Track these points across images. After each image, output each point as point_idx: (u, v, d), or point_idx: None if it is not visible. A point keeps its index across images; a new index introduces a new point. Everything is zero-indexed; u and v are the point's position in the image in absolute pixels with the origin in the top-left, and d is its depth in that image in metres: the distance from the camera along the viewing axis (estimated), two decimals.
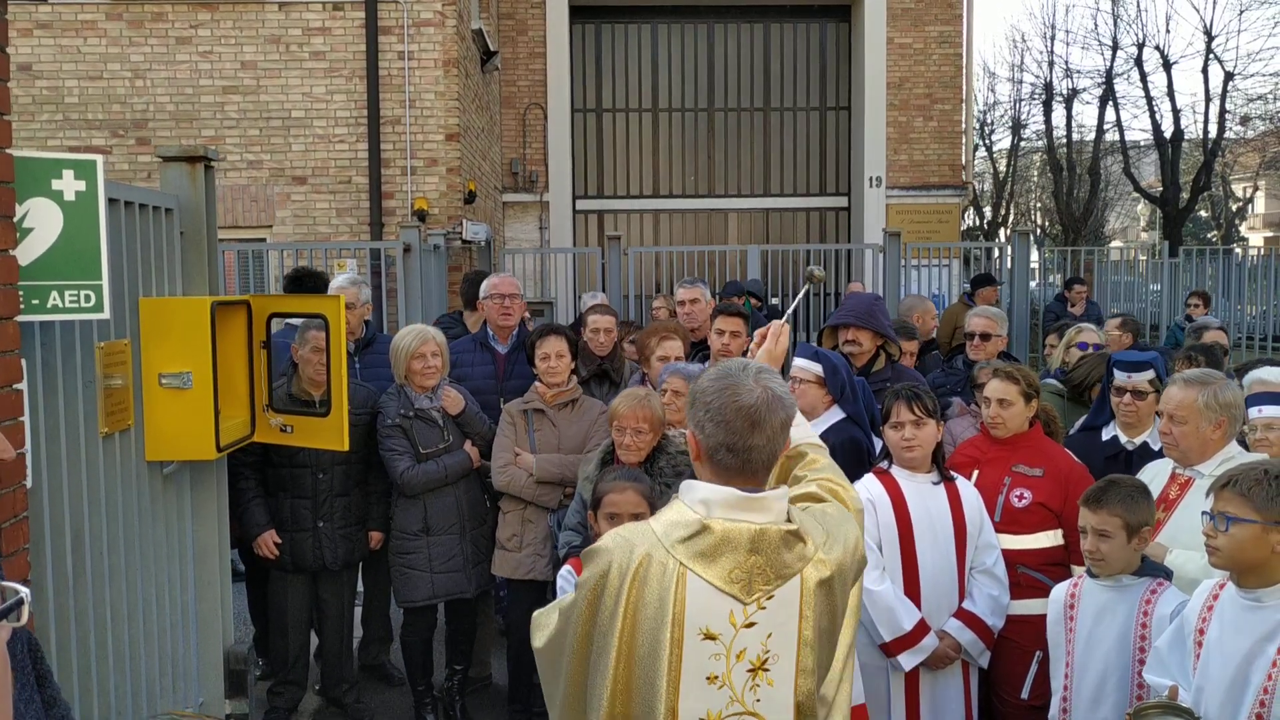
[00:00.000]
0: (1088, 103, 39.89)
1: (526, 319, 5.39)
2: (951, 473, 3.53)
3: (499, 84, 14.16)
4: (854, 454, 3.72)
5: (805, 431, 2.40)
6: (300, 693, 4.67)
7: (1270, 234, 37.51)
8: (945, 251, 11.89)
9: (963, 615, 3.40)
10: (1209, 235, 35.02)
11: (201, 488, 3.42)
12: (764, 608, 1.90)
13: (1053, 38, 27.02)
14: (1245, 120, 26.87)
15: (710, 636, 1.88)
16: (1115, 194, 33.27)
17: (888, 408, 3.47)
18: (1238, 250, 16.65)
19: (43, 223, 2.56)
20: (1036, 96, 28.16)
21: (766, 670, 1.92)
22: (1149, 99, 23.46)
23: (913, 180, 15.05)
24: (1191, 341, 5.68)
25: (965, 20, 15.01)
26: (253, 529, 4.35)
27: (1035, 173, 34.48)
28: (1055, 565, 3.59)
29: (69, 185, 2.58)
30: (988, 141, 31.18)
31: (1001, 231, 29.92)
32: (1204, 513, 2.50)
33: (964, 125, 15.35)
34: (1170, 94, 23.43)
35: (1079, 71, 41.12)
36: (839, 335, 4.52)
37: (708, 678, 1.89)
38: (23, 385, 2.48)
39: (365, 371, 4.92)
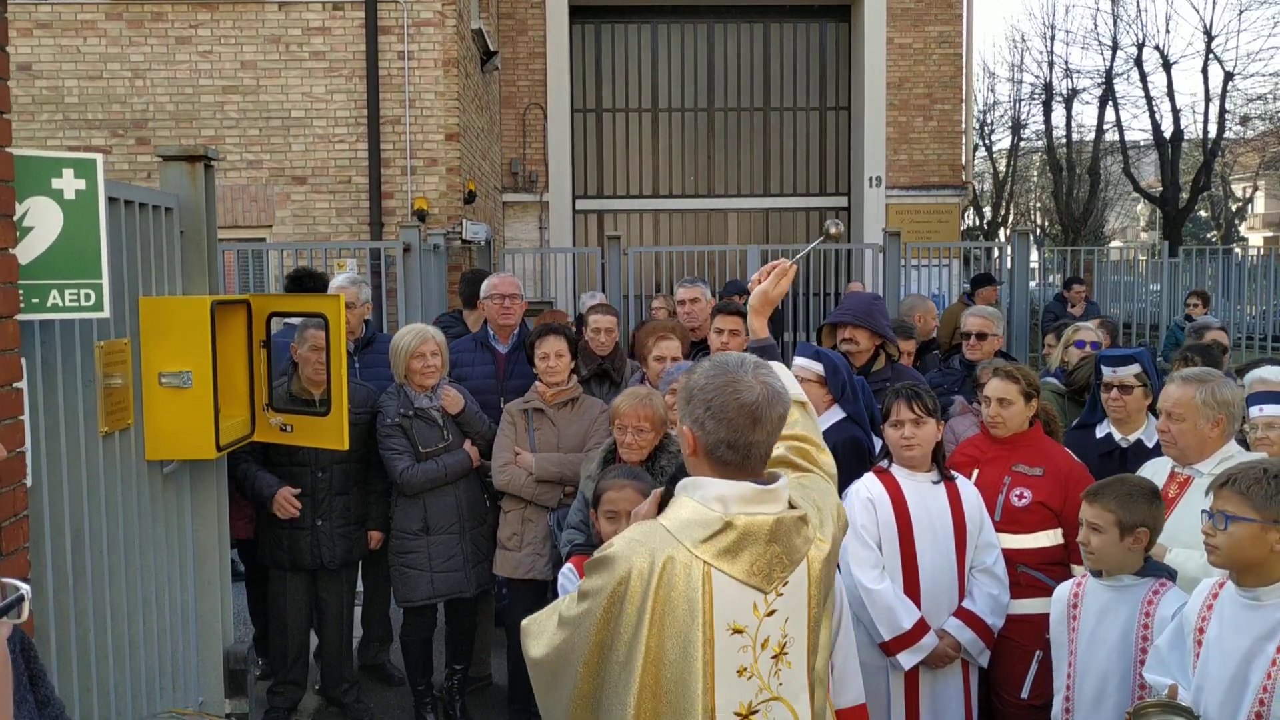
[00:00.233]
0: (1087, 103, 39.96)
1: (539, 317, 5.37)
2: (952, 472, 3.53)
3: (499, 84, 14.16)
4: (854, 453, 3.73)
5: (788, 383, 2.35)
6: (300, 692, 4.67)
7: (1270, 234, 37.51)
8: (945, 251, 11.88)
9: (962, 614, 3.40)
10: (1209, 235, 35.03)
11: (201, 487, 3.42)
12: (781, 594, 1.93)
13: (1052, 38, 27.08)
14: (1245, 120, 26.89)
15: (738, 630, 1.90)
16: (1115, 194, 33.29)
17: (888, 406, 3.47)
18: (1237, 250, 16.66)
19: (43, 221, 2.56)
20: (1036, 96, 28.19)
21: (786, 654, 1.96)
22: (1149, 99, 23.49)
23: (912, 180, 15.05)
24: (1191, 341, 5.68)
25: (965, 20, 15.01)
26: (265, 492, 4.32)
27: (1035, 173, 34.50)
28: (1055, 565, 3.59)
29: (69, 184, 2.58)
30: (987, 141, 31.21)
31: (1001, 231, 29.93)
32: (1203, 511, 2.50)
33: (964, 125, 15.35)
34: (1170, 94, 23.45)
35: (1079, 71, 41.18)
36: (837, 334, 4.52)
37: (738, 670, 1.90)
38: (22, 384, 2.48)
39: (365, 371, 4.92)
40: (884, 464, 3.52)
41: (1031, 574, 3.54)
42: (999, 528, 3.54)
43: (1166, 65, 23.23)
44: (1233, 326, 12.81)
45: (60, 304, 2.59)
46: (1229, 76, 23.27)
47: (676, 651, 1.86)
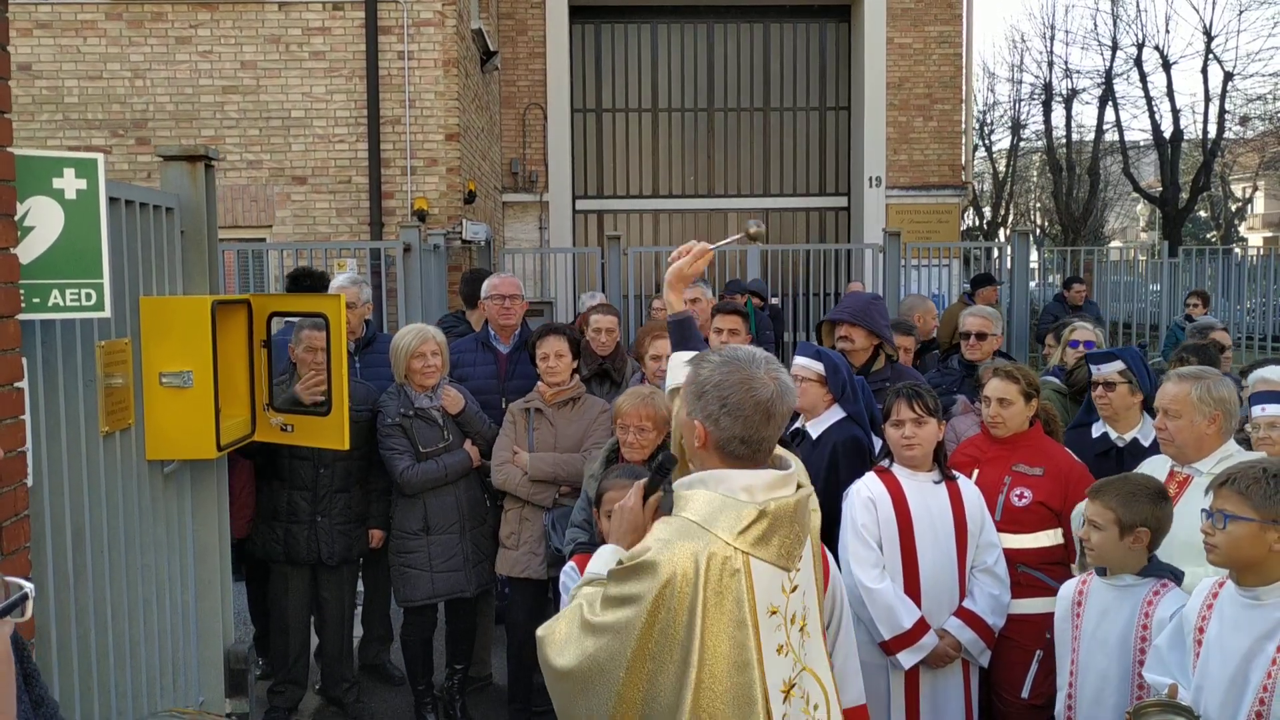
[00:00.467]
0: (1087, 103, 39.97)
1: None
2: (953, 471, 3.53)
3: (499, 84, 14.16)
4: (855, 453, 3.73)
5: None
6: (300, 692, 4.67)
7: (1269, 234, 37.52)
8: (945, 251, 11.89)
9: (963, 614, 3.40)
10: (1208, 235, 35.02)
11: (202, 487, 3.42)
12: (799, 569, 2.01)
13: (1052, 38, 27.09)
14: (1245, 120, 26.89)
15: (774, 611, 1.96)
16: (1115, 194, 33.30)
17: (889, 406, 3.47)
18: (1237, 250, 16.66)
19: (44, 221, 2.56)
20: (1036, 97, 28.19)
21: (806, 626, 2.04)
22: (1148, 99, 23.49)
23: (912, 180, 15.05)
24: (1189, 341, 5.69)
25: (965, 20, 15.01)
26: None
27: (1035, 173, 34.50)
28: (1055, 564, 3.59)
29: (70, 184, 2.58)
30: (987, 142, 31.22)
31: (1001, 231, 29.94)
32: (1203, 510, 2.50)
33: (964, 125, 15.35)
34: (1170, 94, 23.44)
35: (1078, 72, 41.21)
36: (835, 332, 4.53)
37: (777, 649, 1.96)
38: (23, 384, 2.48)
39: (365, 371, 4.92)
40: (885, 463, 3.52)
41: (1032, 574, 3.54)
42: (999, 527, 3.54)
43: (1166, 65, 23.25)
44: (1232, 327, 12.81)
45: (61, 304, 2.59)
46: (1229, 76, 23.28)
47: (732, 643, 1.90)
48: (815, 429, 3.82)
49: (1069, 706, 3.03)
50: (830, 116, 15.76)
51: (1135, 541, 2.88)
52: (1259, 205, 39.36)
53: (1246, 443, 3.49)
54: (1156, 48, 24.21)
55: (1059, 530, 3.61)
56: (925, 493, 3.42)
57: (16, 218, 2.48)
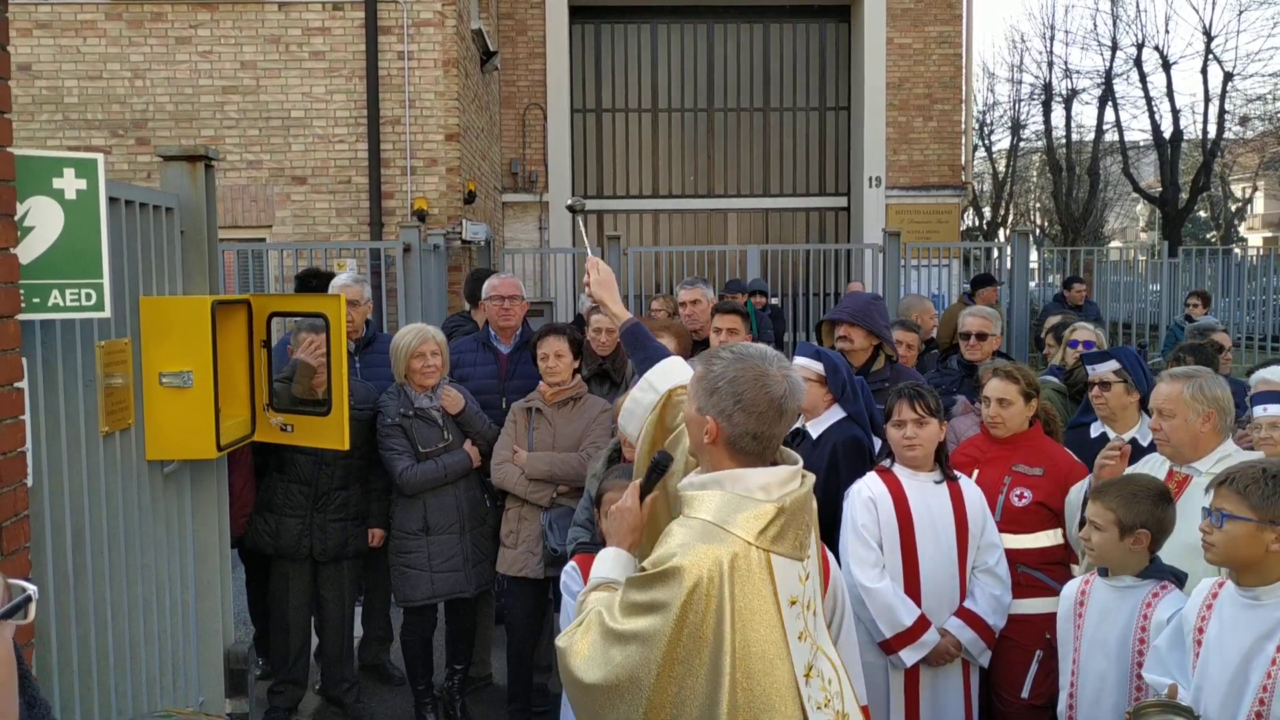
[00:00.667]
0: (1087, 103, 39.98)
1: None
2: (955, 471, 3.53)
3: (499, 84, 14.16)
4: (855, 453, 3.72)
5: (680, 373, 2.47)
6: (300, 692, 4.67)
7: (1269, 234, 37.52)
8: (945, 252, 11.89)
9: (963, 614, 3.40)
10: (1208, 235, 35.03)
11: (202, 487, 3.42)
12: (809, 557, 2.05)
13: (1052, 38, 27.11)
14: (1244, 120, 26.89)
15: (794, 601, 1.99)
16: (1114, 194, 33.31)
17: (890, 406, 3.46)
18: (1237, 250, 16.67)
19: (44, 221, 2.56)
20: (1036, 97, 28.20)
21: (815, 607, 2.09)
22: (1148, 99, 23.51)
23: (912, 180, 15.05)
24: (1187, 341, 5.69)
25: (965, 20, 15.01)
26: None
27: (1034, 173, 34.51)
28: (1055, 564, 3.59)
29: (70, 184, 2.58)
30: (987, 142, 31.23)
31: (1001, 232, 29.94)
32: (1204, 508, 2.51)
33: (963, 125, 15.36)
34: (1169, 94, 23.45)
35: (1078, 72, 41.23)
36: (834, 332, 4.53)
37: (799, 636, 1.99)
38: (23, 384, 2.48)
39: (366, 371, 4.92)
40: (886, 463, 3.52)
41: (1032, 574, 3.54)
42: (999, 528, 3.54)
43: (1166, 66, 23.26)
44: (1232, 327, 12.81)
45: (61, 304, 2.59)
46: (1228, 77, 23.29)
47: (763, 640, 1.93)
48: (815, 429, 3.82)
49: (1070, 707, 3.03)
50: (830, 116, 15.76)
51: (1136, 543, 2.87)
52: (1259, 205, 39.37)
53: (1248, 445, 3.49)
54: (1156, 48, 24.24)
55: (1059, 530, 3.62)
56: (926, 492, 3.42)
57: (16, 218, 2.48)
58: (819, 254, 11.96)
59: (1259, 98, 26.50)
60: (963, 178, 15.48)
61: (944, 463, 3.49)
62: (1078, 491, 3.51)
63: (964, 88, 15.25)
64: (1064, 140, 27.26)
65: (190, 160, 3.30)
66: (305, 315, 4.23)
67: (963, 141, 15.38)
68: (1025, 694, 3.50)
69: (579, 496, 4.06)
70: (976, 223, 31.02)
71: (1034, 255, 17.81)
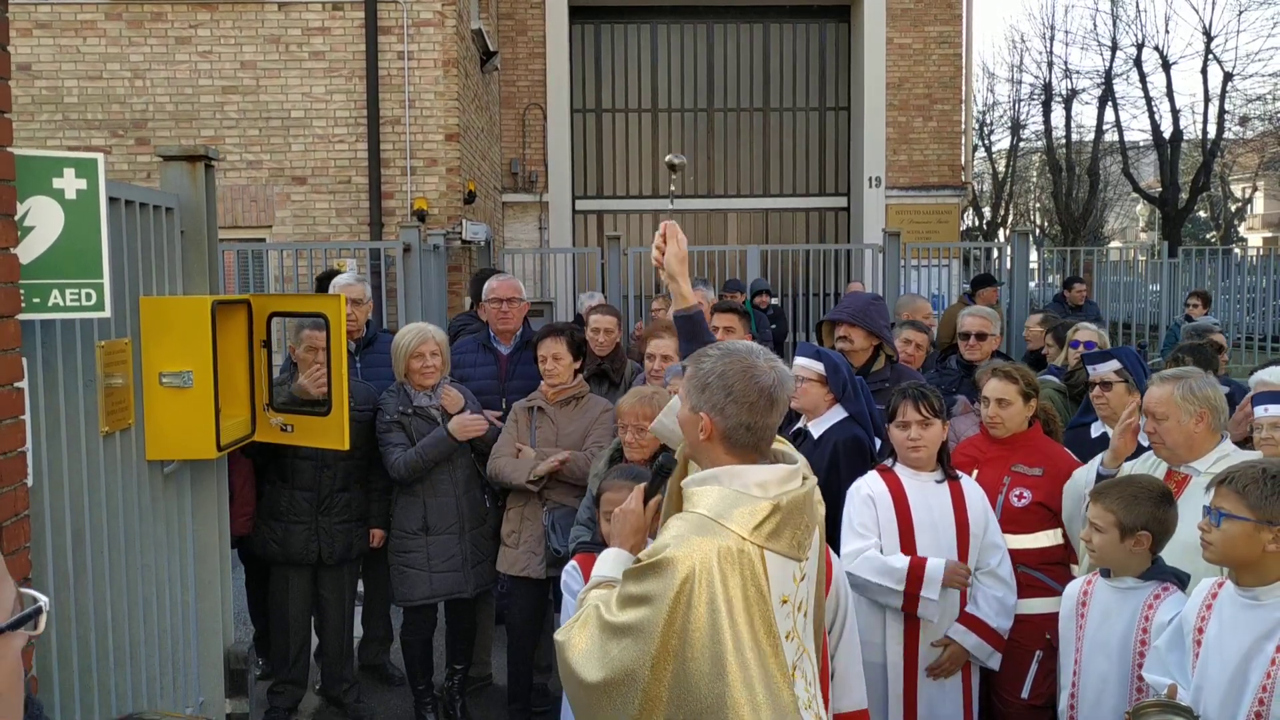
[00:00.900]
0: (1087, 103, 39.97)
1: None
2: (957, 471, 3.52)
3: (499, 84, 14.16)
4: (857, 452, 3.72)
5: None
6: (300, 692, 4.67)
7: (1269, 234, 37.52)
8: (945, 252, 11.89)
9: (966, 619, 3.38)
10: (1208, 236, 35.03)
11: (202, 487, 3.42)
12: (807, 558, 2.06)
13: (1052, 38, 27.10)
14: (1244, 120, 26.89)
15: (785, 601, 2.01)
16: (1114, 194, 33.30)
17: (894, 406, 3.45)
18: (1237, 251, 16.67)
19: (44, 221, 2.56)
20: (1036, 97, 28.20)
21: (807, 609, 2.10)
22: (1148, 99, 23.51)
23: (912, 180, 15.06)
24: (1185, 342, 5.69)
25: (965, 21, 15.02)
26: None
27: (1034, 173, 34.51)
28: (1055, 565, 3.59)
29: (70, 184, 2.58)
30: (987, 142, 31.23)
31: (1001, 232, 29.94)
32: (1204, 507, 2.51)
33: (963, 125, 15.36)
34: (1169, 94, 23.45)
35: (1078, 72, 41.23)
36: (834, 333, 4.53)
37: (786, 635, 2.00)
38: (23, 384, 2.48)
39: (366, 371, 4.93)
40: (888, 463, 3.51)
41: (1031, 574, 3.54)
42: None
43: (1166, 66, 23.26)
44: (1232, 327, 12.81)
45: (61, 303, 2.59)
46: (1228, 77, 23.29)
47: (757, 634, 1.93)
48: (817, 429, 3.82)
49: (1071, 707, 3.02)
50: (830, 117, 15.76)
51: (1137, 544, 2.86)
52: (1258, 205, 39.36)
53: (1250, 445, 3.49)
54: (1156, 48, 24.23)
55: (1059, 530, 3.61)
56: (927, 492, 3.42)
57: (16, 218, 2.48)
58: (819, 254, 11.96)
59: (1259, 98, 26.53)
60: (963, 178, 15.48)
61: (945, 462, 3.49)
62: (1082, 473, 3.52)
63: (964, 88, 15.25)
64: (1064, 140, 27.27)
65: (190, 160, 3.30)
66: (305, 315, 4.23)
67: (963, 141, 15.38)
68: (1025, 694, 3.50)
69: (581, 496, 4.06)
70: (976, 223, 31.03)
71: (1034, 255, 17.80)
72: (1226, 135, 25.05)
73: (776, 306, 10.57)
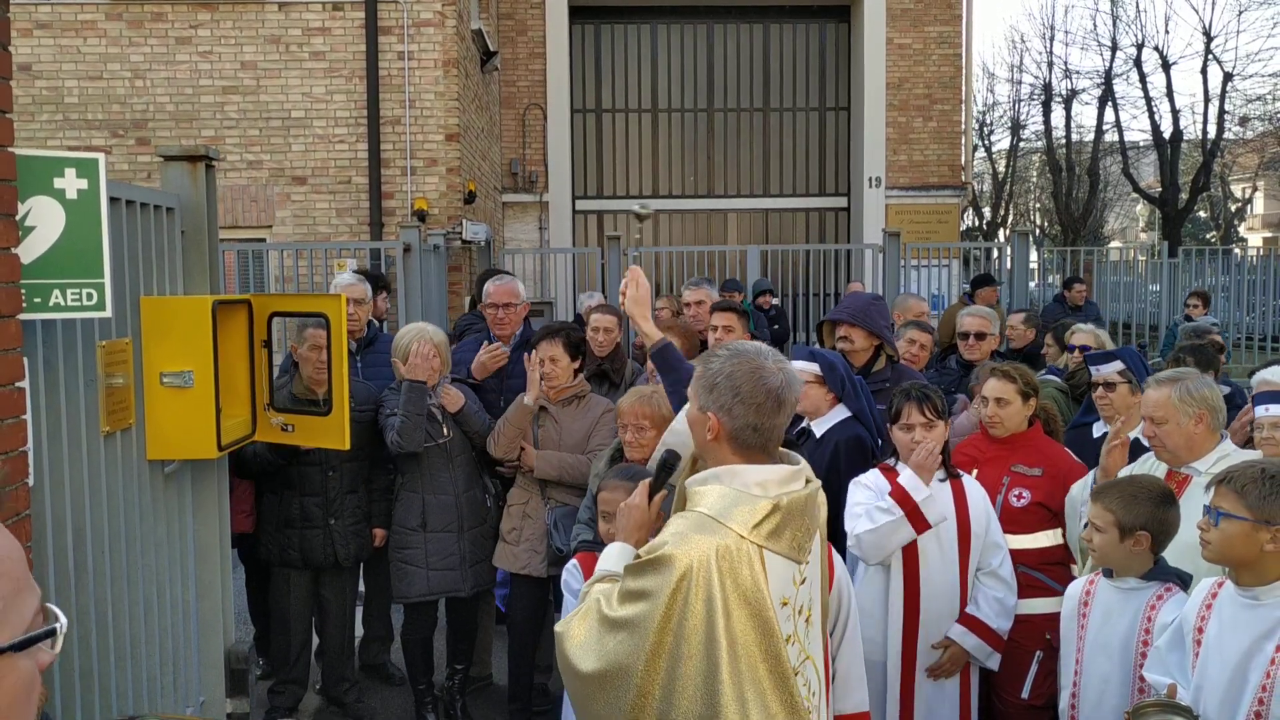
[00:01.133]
0: (1087, 103, 39.97)
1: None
2: (959, 470, 3.52)
3: (499, 84, 14.16)
4: (858, 451, 3.71)
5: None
6: (301, 692, 4.68)
7: (1269, 234, 37.52)
8: (945, 252, 11.90)
9: (966, 620, 3.38)
10: (1208, 236, 35.03)
11: (203, 486, 3.42)
12: (808, 562, 2.06)
13: (1052, 38, 27.11)
14: (1244, 121, 26.90)
15: (785, 603, 2.00)
16: (1114, 194, 33.30)
17: (897, 408, 3.45)
18: (1237, 251, 16.67)
19: (45, 221, 2.56)
20: (1035, 97, 28.21)
21: (810, 616, 2.10)
22: (1148, 99, 23.51)
23: (912, 180, 15.06)
24: (1184, 342, 5.69)
25: (965, 21, 15.02)
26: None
27: (1034, 173, 34.51)
28: (1055, 565, 3.59)
29: (71, 184, 2.58)
30: (987, 142, 31.23)
31: (1001, 232, 29.95)
32: (1204, 506, 2.51)
33: (963, 126, 15.36)
34: (1169, 94, 23.45)
35: (1078, 72, 41.23)
36: (835, 333, 4.53)
37: (787, 638, 1.99)
38: (24, 383, 2.48)
39: (367, 371, 4.93)
40: (890, 462, 3.51)
41: (1031, 574, 3.54)
42: None
43: (1166, 66, 23.26)
44: (1232, 327, 12.80)
45: (62, 303, 2.59)
46: (1228, 77, 23.29)
47: (756, 633, 1.93)
48: (819, 427, 3.82)
49: (1072, 707, 3.02)
50: (830, 117, 15.76)
51: (1136, 544, 2.86)
52: (1258, 205, 39.36)
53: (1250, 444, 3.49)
54: (1156, 48, 24.23)
55: (1058, 530, 3.61)
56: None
57: (18, 217, 2.48)
58: (819, 254, 11.96)
59: (1259, 98, 26.53)
60: (963, 178, 15.49)
61: (947, 461, 3.49)
62: (1080, 488, 3.51)
63: (964, 88, 15.26)
64: (1064, 140, 27.27)
65: (191, 160, 3.30)
66: (306, 315, 4.23)
67: (963, 142, 15.39)
68: (1025, 694, 3.50)
69: (583, 496, 4.07)
70: (976, 223, 31.03)
71: (1034, 255, 17.81)
72: (1226, 135, 25.05)
73: (778, 307, 10.58)
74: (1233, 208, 34.39)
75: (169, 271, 3.22)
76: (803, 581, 2.05)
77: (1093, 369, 4.12)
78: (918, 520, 3.22)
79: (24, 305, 2.49)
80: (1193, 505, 2.95)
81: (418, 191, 9.92)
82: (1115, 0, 24.42)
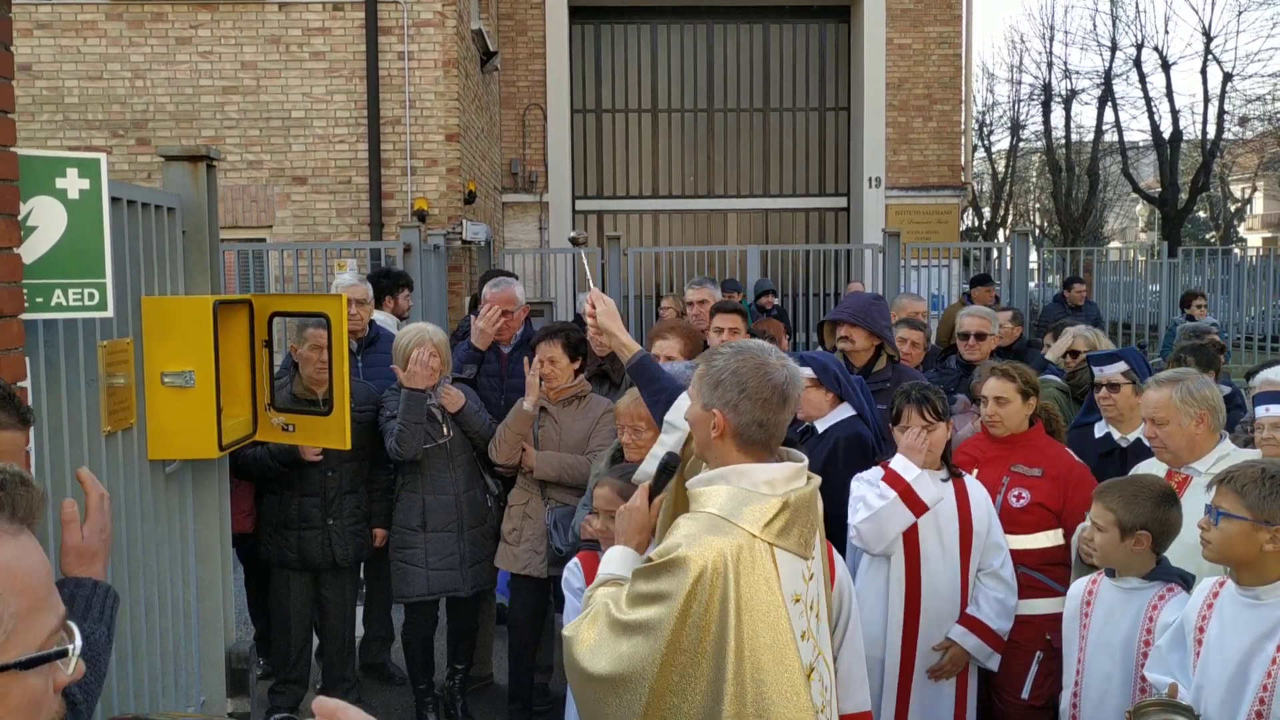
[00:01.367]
0: (1086, 103, 39.96)
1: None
2: (960, 470, 3.52)
3: (499, 84, 14.16)
4: (858, 449, 3.71)
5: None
6: (301, 692, 4.68)
7: (1269, 234, 37.54)
8: (944, 252, 11.90)
9: (967, 621, 3.39)
10: (1208, 236, 35.04)
11: (204, 486, 3.42)
12: (813, 558, 2.08)
13: (1051, 39, 27.12)
14: (1244, 121, 26.92)
15: (797, 599, 2.02)
16: (1114, 194, 33.32)
17: (898, 409, 3.46)
18: (1236, 251, 16.67)
19: (46, 221, 2.57)
20: (1035, 97, 28.23)
21: (819, 611, 2.12)
22: (1148, 100, 23.53)
23: (912, 181, 15.06)
24: (1184, 342, 5.69)
25: (964, 21, 15.03)
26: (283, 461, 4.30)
27: (1034, 173, 34.53)
28: (1055, 565, 3.59)
29: (73, 184, 2.58)
30: (986, 142, 31.25)
31: (1000, 232, 29.96)
32: (1205, 506, 2.52)
33: (963, 126, 15.37)
34: (1169, 95, 23.46)
35: (1078, 72, 41.26)
36: (835, 333, 4.53)
37: (801, 635, 2.01)
38: (26, 383, 2.48)
39: (367, 371, 4.93)
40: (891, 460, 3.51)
41: (1031, 574, 3.54)
42: None
43: (1165, 66, 23.28)
44: (1231, 327, 12.81)
45: (64, 303, 2.59)
46: (1228, 77, 23.30)
47: (770, 632, 1.93)
48: (822, 425, 3.83)
49: (1074, 706, 3.03)
50: (830, 117, 15.77)
51: (1137, 544, 2.86)
52: (1258, 206, 39.38)
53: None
54: (1156, 48, 24.25)
55: (1059, 531, 3.61)
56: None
57: (19, 217, 2.49)
58: (819, 254, 11.96)
59: (1258, 98, 26.56)
60: (962, 178, 15.49)
61: (948, 460, 3.49)
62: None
63: (964, 88, 15.26)
64: (1063, 140, 27.29)
65: (192, 160, 3.30)
66: (307, 315, 4.23)
67: (962, 142, 15.39)
68: (1025, 694, 3.50)
69: (580, 496, 4.07)
70: (976, 223, 31.04)
71: (1034, 256, 17.81)
72: (1226, 135, 25.07)
73: (779, 307, 10.58)
74: (1232, 208, 34.40)
75: (170, 271, 3.22)
76: (810, 578, 2.07)
77: (1096, 370, 4.11)
78: (913, 502, 3.22)
79: (26, 305, 2.49)
80: (1193, 505, 2.95)
81: (418, 191, 9.93)
82: (1115, 0, 24.45)
